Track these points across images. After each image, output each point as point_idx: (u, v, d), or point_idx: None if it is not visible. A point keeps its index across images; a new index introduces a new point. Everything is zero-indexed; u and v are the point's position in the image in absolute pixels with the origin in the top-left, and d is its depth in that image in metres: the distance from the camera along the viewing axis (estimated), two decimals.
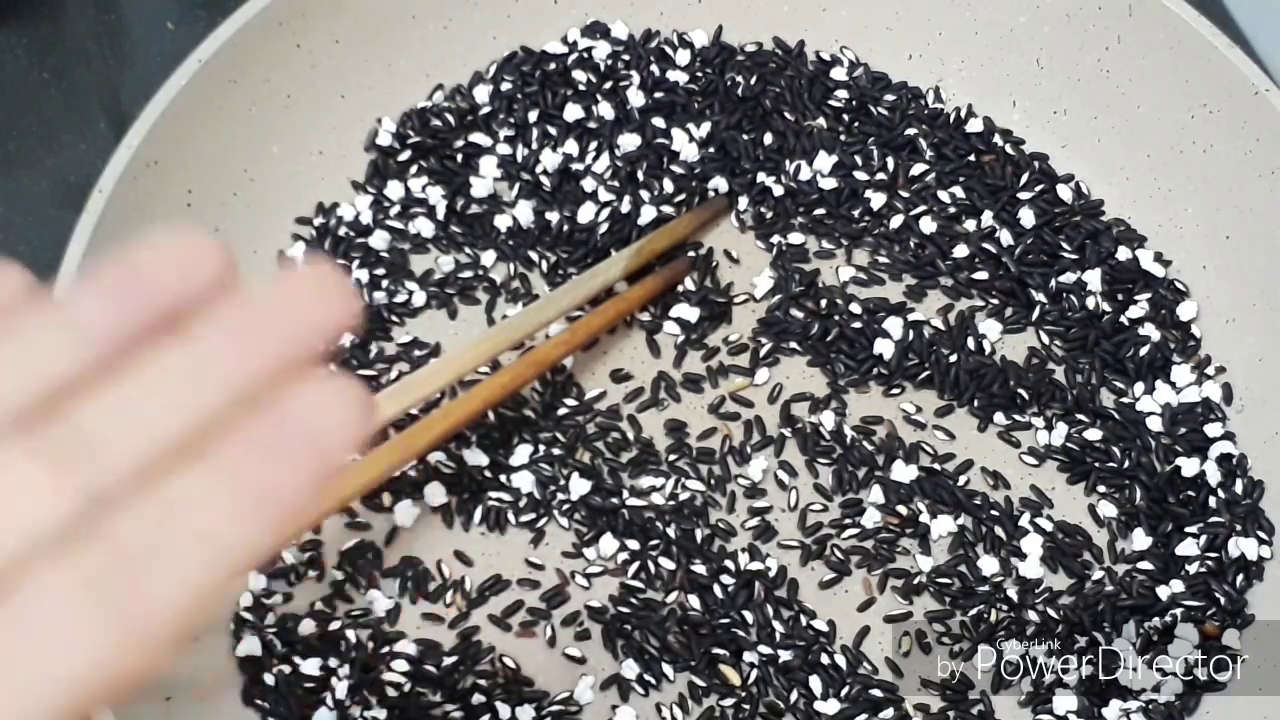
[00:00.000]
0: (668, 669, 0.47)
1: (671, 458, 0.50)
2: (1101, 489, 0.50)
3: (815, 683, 0.46)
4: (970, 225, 0.54)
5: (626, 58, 0.57)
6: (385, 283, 0.53)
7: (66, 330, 0.20)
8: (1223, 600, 0.47)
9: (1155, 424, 0.51)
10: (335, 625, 0.47)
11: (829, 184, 0.55)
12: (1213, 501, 0.49)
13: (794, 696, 0.46)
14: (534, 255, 0.54)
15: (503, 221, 0.54)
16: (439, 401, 0.49)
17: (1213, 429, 0.50)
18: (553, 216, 0.54)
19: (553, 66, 0.56)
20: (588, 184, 0.55)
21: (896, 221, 0.54)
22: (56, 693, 0.18)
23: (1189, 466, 0.50)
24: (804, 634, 0.47)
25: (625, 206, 0.54)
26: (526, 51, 0.57)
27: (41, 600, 0.18)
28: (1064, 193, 0.55)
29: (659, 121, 0.56)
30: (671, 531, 0.48)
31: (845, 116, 0.56)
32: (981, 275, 0.54)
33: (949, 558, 0.49)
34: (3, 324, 0.20)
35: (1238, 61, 0.50)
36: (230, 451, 0.20)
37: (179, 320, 0.20)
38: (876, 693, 0.46)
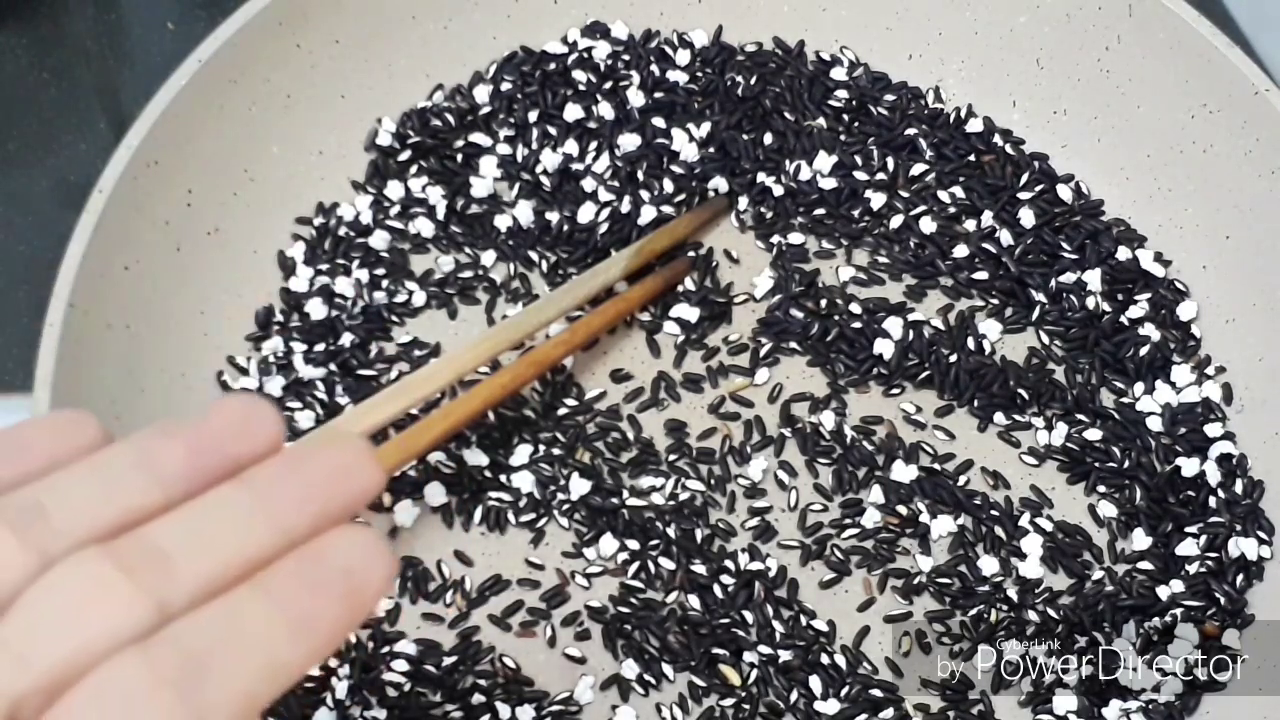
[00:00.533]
0: (668, 669, 0.46)
1: (671, 458, 0.50)
2: (1101, 489, 0.50)
3: (815, 683, 0.46)
4: (970, 225, 0.54)
5: (626, 58, 0.57)
6: (385, 283, 0.53)
7: (144, 469, 0.23)
8: (1223, 600, 0.47)
9: (1155, 424, 0.51)
10: None
11: (829, 184, 0.55)
12: (1213, 501, 0.49)
13: (794, 696, 0.46)
14: (534, 255, 0.54)
15: (503, 221, 0.54)
16: (439, 401, 0.49)
17: (1213, 429, 0.50)
18: (553, 216, 0.54)
19: (553, 66, 0.57)
20: (588, 184, 0.55)
21: (896, 221, 0.54)
22: None
23: (1189, 466, 0.50)
24: (804, 634, 0.47)
25: (625, 206, 0.54)
26: (526, 51, 0.57)
27: (125, 691, 0.21)
28: (1064, 193, 0.55)
29: (659, 121, 0.56)
30: (671, 531, 0.48)
31: (845, 116, 0.56)
32: (981, 275, 0.54)
33: (949, 558, 0.49)
34: (88, 461, 0.23)
35: (1238, 61, 0.50)
36: (282, 582, 0.23)
37: (238, 468, 0.24)
38: (876, 693, 0.46)
